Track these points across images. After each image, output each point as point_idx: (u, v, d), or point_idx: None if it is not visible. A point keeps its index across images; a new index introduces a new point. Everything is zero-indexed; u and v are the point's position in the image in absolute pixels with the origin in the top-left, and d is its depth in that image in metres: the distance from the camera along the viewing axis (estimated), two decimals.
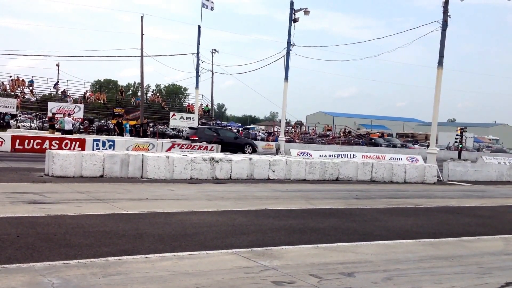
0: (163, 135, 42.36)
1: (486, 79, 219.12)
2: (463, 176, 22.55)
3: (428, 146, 27.59)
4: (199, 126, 36.60)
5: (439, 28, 22.37)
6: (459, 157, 36.78)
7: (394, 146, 57.85)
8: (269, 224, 8.94)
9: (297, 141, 50.33)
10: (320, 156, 25.19)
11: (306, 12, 32.30)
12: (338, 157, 25.44)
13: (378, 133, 70.24)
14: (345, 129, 62.73)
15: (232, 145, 30.14)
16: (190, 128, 34.90)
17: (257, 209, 10.58)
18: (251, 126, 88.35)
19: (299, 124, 69.27)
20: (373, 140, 59.03)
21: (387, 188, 17.19)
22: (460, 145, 36.25)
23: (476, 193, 17.48)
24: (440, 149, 56.15)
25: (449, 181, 21.69)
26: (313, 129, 64.02)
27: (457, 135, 36.56)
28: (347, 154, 29.10)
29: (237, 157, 17.47)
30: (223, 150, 27.15)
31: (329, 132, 62.27)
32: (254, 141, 35.86)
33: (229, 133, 34.28)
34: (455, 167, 22.81)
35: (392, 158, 26.55)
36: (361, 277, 5.85)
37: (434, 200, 14.49)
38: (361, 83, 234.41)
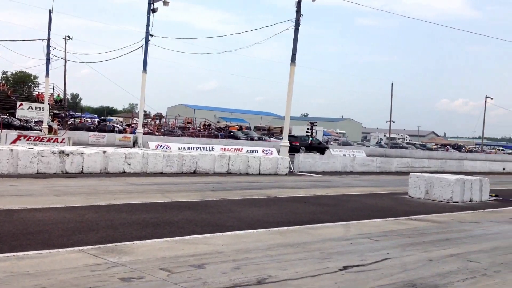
0: (8, 126, 39.09)
1: (336, 77, 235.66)
2: (312, 167, 24.01)
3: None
4: (298, 135, 47.96)
5: (292, 26, 23.43)
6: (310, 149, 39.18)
7: (252, 139, 59.64)
8: (121, 219, 8.69)
9: (157, 133, 49.63)
10: (179, 148, 25.04)
11: (165, 2, 31.83)
12: (197, 149, 25.52)
13: (237, 126, 71.98)
14: (205, 122, 63.24)
15: (317, 149, 40.48)
16: (291, 136, 43.52)
17: (109, 204, 10.24)
18: (109, 117, 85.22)
19: (159, 116, 68.33)
20: (232, 133, 60.30)
21: (242, 180, 17.68)
22: (311, 138, 38.65)
23: (322, 183, 18.74)
24: None
25: (299, 172, 22.95)
26: (173, 121, 63.62)
27: (308, 129, 38.95)
28: (206, 147, 29.30)
29: (89, 150, 16.71)
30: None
31: (189, 124, 62.33)
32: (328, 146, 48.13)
33: (316, 140, 46.57)
34: (305, 159, 24.21)
35: (249, 151, 27.30)
36: (211, 268, 5.94)
37: (285, 190, 15.25)
38: (222, 77, 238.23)
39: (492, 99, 78.91)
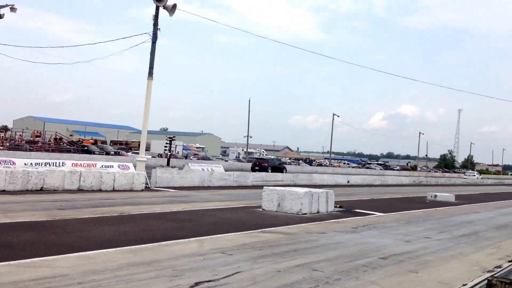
0: None
1: (195, 91, 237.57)
2: (169, 182, 23.79)
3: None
4: (267, 157, 65.39)
5: (150, 39, 23.16)
6: (168, 164, 38.84)
7: (108, 153, 57.60)
8: None
9: (1, 147, 45.66)
10: (25, 164, 23.20)
11: (13, 9, 29.64)
12: (45, 165, 23.88)
13: (91, 140, 69.05)
14: (56, 136, 59.67)
15: (277, 168, 48.82)
16: (258, 158, 60.96)
17: None
18: None
19: (4, 129, 62.94)
20: (85, 148, 57.74)
21: (95, 197, 16.92)
22: (169, 153, 38.43)
23: (180, 198, 18.63)
24: (152, 157, 58.35)
25: (156, 187, 22.59)
26: (20, 134, 59.05)
27: (166, 143, 38.70)
28: (56, 162, 27.54)
29: None
30: (273, 171, 45.37)
31: (38, 138, 58.33)
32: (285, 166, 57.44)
33: (277, 161, 57.42)
34: (163, 174, 23.91)
35: (103, 166, 26.22)
36: None
37: (140, 206, 14.87)
38: (77, 89, 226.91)
39: (339, 116, 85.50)
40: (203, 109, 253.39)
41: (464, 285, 6.99)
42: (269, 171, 45.07)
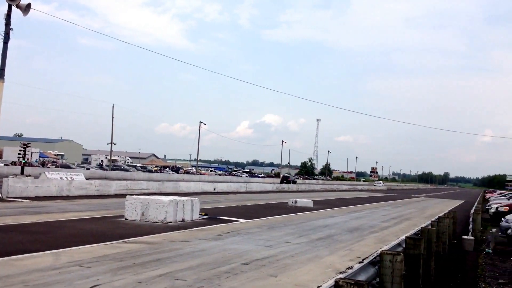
0: None
1: (55, 96, 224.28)
2: (23, 192, 22.11)
3: None
4: (289, 174, 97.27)
5: (1, 40, 21.53)
6: (22, 172, 36.12)
7: None
8: None
9: None
10: None
11: None
12: None
13: None
14: None
15: (293, 181, 77.92)
16: (285, 175, 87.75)
17: None
18: None
19: None
20: None
21: None
22: (23, 161, 35.71)
23: (34, 209, 17.37)
24: (5, 165, 53.99)
25: (8, 198, 20.89)
26: None
27: (20, 150, 35.94)
28: None
29: None
30: (293, 183, 75.25)
31: None
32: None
33: (294, 177, 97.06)
34: (16, 183, 22.15)
35: None
36: None
37: None
38: None
39: (205, 124, 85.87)
40: (63, 115, 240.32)
41: (318, 287, 7.42)
42: (291, 183, 70.39)
